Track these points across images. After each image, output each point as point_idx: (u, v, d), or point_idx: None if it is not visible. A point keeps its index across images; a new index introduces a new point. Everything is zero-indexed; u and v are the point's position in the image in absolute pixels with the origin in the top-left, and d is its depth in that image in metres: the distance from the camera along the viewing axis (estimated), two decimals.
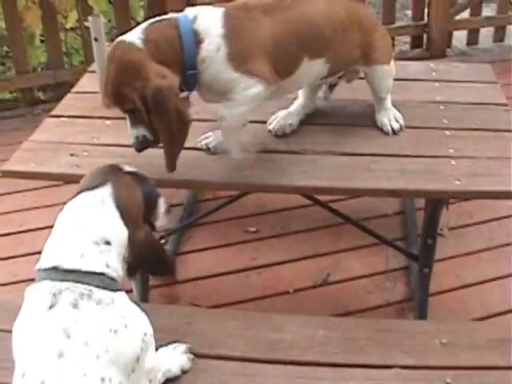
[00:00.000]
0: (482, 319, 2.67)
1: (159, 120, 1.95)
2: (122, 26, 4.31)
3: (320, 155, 2.25)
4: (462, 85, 2.69)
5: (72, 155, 2.25)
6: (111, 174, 1.65)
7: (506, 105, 2.54)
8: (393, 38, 4.84)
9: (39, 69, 4.74)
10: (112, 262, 1.54)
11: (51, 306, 1.46)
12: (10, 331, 1.84)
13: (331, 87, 2.53)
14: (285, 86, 2.17)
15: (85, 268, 1.49)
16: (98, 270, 1.51)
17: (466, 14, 4.95)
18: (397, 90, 2.50)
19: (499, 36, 5.06)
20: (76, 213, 1.57)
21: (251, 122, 2.22)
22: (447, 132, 2.36)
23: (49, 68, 4.51)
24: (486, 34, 5.09)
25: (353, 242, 3.10)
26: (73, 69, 4.46)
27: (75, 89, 2.74)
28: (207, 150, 2.29)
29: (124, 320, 1.50)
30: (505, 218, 3.24)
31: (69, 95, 2.67)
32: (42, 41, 4.62)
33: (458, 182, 2.10)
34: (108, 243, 1.53)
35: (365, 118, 2.49)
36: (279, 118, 2.43)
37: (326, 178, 2.14)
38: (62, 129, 2.47)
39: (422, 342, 1.85)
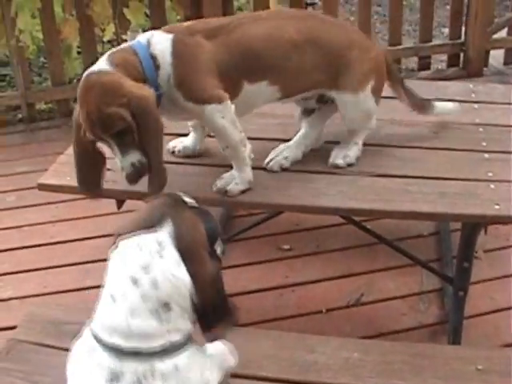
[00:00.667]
0: None
1: (148, 132, 1.95)
2: None
3: (357, 176, 2.24)
4: (502, 107, 2.66)
5: (108, 170, 2.25)
6: (171, 209, 1.49)
7: None
8: (429, 57, 4.84)
9: (75, 80, 4.77)
10: (174, 325, 1.42)
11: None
12: (40, 344, 1.85)
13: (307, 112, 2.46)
14: (237, 107, 2.15)
15: (145, 348, 1.39)
16: (159, 344, 1.40)
17: (503, 33, 4.91)
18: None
19: None
20: (130, 269, 1.41)
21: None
22: (486, 155, 2.34)
23: None
24: None
25: (387, 262, 3.07)
26: None
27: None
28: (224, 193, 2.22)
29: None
30: None
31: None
32: (78, 52, 4.66)
33: (497, 207, 2.07)
34: (167, 305, 1.40)
35: (401, 139, 2.48)
36: (277, 152, 2.38)
37: (364, 199, 2.13)
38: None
39: (457, 367, 1.82)
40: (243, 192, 2.19)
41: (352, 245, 3.19)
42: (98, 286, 3.06)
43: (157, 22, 4.30)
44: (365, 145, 2.42)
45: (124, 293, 1.40)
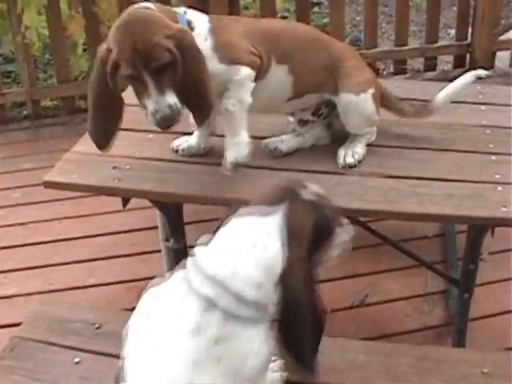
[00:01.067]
0: None
1: (194, 66, 1.97)
2: None
3: (364, 177, 2.23)
4: (509, 108, 2.64)
5: (114, 168, 2.26)
6: (286, 197, 1.55)
7: None
8: (435, 58, 4.83)
9: (81, 77, 4.77)
10: (261, 302, 1.49)
11: (195, 330, 1.44)
12: (44, 342, 1.85)
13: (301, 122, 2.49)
14: (259, 96, 2.21)
15: (235, 310, 1.46)
16: (247, 312, 1.47)
17: (510, 35, 4.89)
18: (442, 112, 2.47)
19: None
20: (238, 241, 1.50)
21: None
22: (493, 157, 2.33)
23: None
24: None
25: (392, 264, 3.07)
26: None
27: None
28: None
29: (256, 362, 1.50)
30: None
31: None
32: (84, 49, 4.65)
33: (504, 209, 2.06)
34: (260, 285, 1.48)
35: (408, 140, 2.46)
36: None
37: (371, 200, 2.12)
38: None
39: (462, 370, 1.81)
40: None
41: (357, 245, 3.13)
42: (103, 284, 3.08)
43: None
44: (372, 145, 2.41)
45: (226, 257, 1.49)
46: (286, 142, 2.41)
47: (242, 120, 2.20)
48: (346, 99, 2.32)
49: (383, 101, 2.43)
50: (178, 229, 2.59)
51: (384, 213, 2.17)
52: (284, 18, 5.41)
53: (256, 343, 1.50)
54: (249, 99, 2.18)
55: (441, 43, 4.88)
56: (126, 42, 1.93)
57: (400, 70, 4.86)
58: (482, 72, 2.48)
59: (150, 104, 1.95)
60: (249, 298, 1.46)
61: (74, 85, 4.49)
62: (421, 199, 2.13)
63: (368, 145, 2.40)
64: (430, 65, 4.87)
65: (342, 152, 2.35)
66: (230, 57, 2.13)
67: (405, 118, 2.51)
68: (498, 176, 2.22)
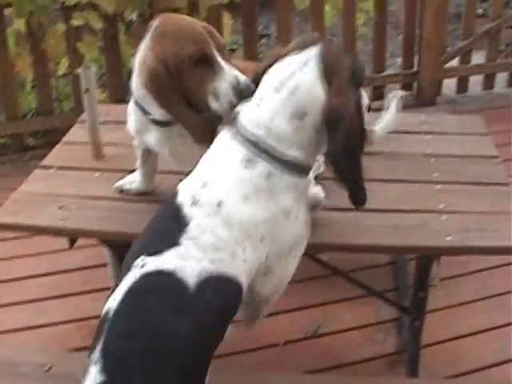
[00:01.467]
0: (475, 371, 2.65)
1: None
2: (112, 72, 4.34)
3: (312, 211, 2.22)
4: (453, 137, 2.68)
5: (60, 208, 2.24)
6: (322, 41, 1.69)
7: (497, 157, 2.53)
8: (382, 86, 4.90)
9: (29, 115, 4.74)
10: (303, 141, 1.67)
11: (246, 162, 1.65)
12: None
13: None
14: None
15: (279, 151, 1.65)
16: (289, 154, 1.66)
17: (455, 62, 4.99)
18: (388, 142, 2.50)
19: (489, 83, 5.09)
20: (275, 79, 1.68)
21: None
22: (438, 186, 2.35)
23: (39, 114, 4.52)
24: (476, 81, 5.12)
25: (344, 293, 3.07)
26: (63, 115, 4.46)
27: (65, 138, 2.72)
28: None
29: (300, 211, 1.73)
30: (497, 267, 3.22)
31: (58, 146, 2.65)
32: (33, 86, 4.63)
33: (448, 238, 2.08)
34: (301, 115, 1.64)
35: None
36: None
37: (318, 234, 2.12)
38: (50, 180, 2.45)
39: None
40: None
41: (308, 276, 3.18)
42: (54, 324, 3.03)
43: (110, 56, 4.30)
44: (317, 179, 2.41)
45: (267, 97, 1.67)
46: None
47: None
48: None
49: None
50: None
51: (331, 246, 2.18)
52: (232, 50, 5.44)
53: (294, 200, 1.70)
54: None
55: (388, 72, 4.97)
56: (191, 32, 1.92)
57: None
58: (400, 92, 2.51)
59: (226, 79, 1.89)
60: (290, 136, 1.64)
61: (22, 122, 4.46)
62: (367, 231, 2.14)
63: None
64: (378, 93, 4.93)
65: None
66: None
67: None
68: (442, 205, 2.24)
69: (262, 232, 1.65)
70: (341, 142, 1.63)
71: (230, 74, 1.90)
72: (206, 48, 1.90)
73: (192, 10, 4.15)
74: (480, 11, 5.60)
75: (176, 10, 4.00)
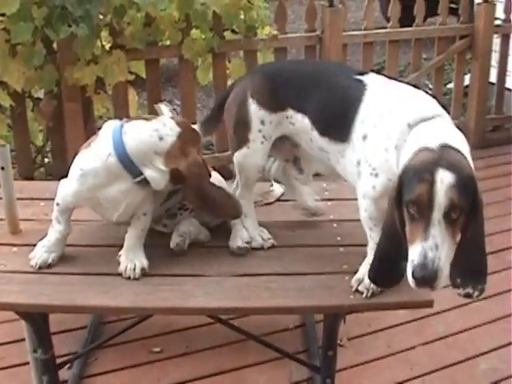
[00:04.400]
0: None
1: None
2: (21, 149, 4.38)
3: (221, 277, 2.35)
4: (353, 203, 2.84)
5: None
6: None
7: None
8: None
9: None
10: None
11: None
12: None
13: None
14: None
15: None
16: None
17: None
18: (288, 210, 2.72)
19: None
20: None
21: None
22: (341, 249, 2.52)
23: None
24: None
25: (257, 357, 3.16)
26: None
27: None
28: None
29: None
30: (401, 324, 3.41)
31: None
32: None
33: (352, 297, 2.23)
34: None
35: None
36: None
37: (228, 298, 2.24)
38: None
39: None
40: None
41: (222, 342, 3.26)
42: None
43: (19, 133, 4.35)
44: (227, 246, 2.56)
45: None
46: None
47: None
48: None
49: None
50: (46, 339, 2.62)
51: (240, 309, 2.30)
52: None
53: None
54: None
55: None
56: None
57: None
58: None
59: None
60: None
61: None
62: (274, 294, 2.26)
63: (223, 246, 2.55)
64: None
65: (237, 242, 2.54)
66: None
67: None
68: (345, 266, 2.40)
69: None
70: None
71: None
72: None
73: (99, 88, 4.27)
74: None
75: (83, 87, 4.13)
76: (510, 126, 6.10)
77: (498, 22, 5.71)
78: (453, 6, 5.59)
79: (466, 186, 1.84)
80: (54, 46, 4.13)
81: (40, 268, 2.41)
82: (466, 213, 1.86)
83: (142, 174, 2.28)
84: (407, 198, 1.88)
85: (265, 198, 2.87)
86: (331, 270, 2.39)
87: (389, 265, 2.00)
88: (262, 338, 2.97)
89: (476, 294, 1.95)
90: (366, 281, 2.22)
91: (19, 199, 2.70)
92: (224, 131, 2.66)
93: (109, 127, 2.36)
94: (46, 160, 4.74)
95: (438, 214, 1.82)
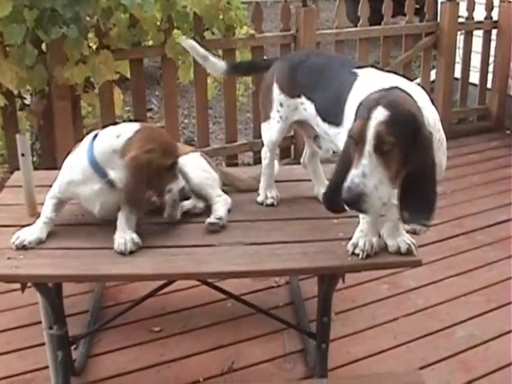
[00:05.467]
0: None
1: None
2: (10, 148, 4.51)
3: (232, 246, 2.57)
4: None
5: (9, 258, 2.46)
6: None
7: None
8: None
9: None
10: None
11: None
12: None
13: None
14: None
15: None
16: None
17: None
18: (287, 189, 2.97)
19: None
20: None
21: None
22: (335, 220, 2.75)
23: None
24: None
25: (251, 333, 3.38)
26: None
27: None
28: None
29: None
30: (383, 299, 3.69)
31: None
32: None
33: (349, 259, 2.47)
34: None
35: (262, 214, 2.88)
36: None
37: (241, 263, 2.47)
38: None
39: None
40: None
41: (217, 320, 3.47)
42: None
43: (9, 131, 4.48)
44: (232, 221, 2.78)
45: None
46: None
47: None
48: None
49: (231, 181, 3.03)
50: (61, 315, 2.81)
51: (253, 272, 2.53)
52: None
53: None
54: None
55: None
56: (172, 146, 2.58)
57: (231, 164, 5.32)
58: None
59: (178, 183, 2.56)
60: None
61: None
62: (282, 258, 2.49)
63: (230, 221, 2.76)
64: (259, 158, 5.33)
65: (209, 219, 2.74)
66: None
67: (244, 189, 3.08)
68: (341, 234, 2.64)
69: None
70: None
71: (181, 180, 2.52)
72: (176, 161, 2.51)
73: (87, 86, 4.45)
74: None
75: (72, 86, 4.30)
76: (473, 119, 6.43)
77: (461, 20, 6.00)
78: (416, 6, 5.84)
79: (402, 122, 2.10)
80: (43, 46, 4.28)
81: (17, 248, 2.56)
82: (404, 147, 2.11)
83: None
84: (350, 134, 2.18)
85: (235, 186, 3.12)
86: (329, 238, 2.63)
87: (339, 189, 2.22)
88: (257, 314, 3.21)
89: (422, 230, 2.20)
90: (361, 244, 2.47)
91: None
92: None
93: (90, 134, 2.68)
94: (34, 158, 4.85)
95: (368, 147, 2.10)
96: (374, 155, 2.09)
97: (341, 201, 2.16)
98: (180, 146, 2.86)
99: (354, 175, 2.10)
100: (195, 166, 2.87)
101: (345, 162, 2.24)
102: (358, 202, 2.10)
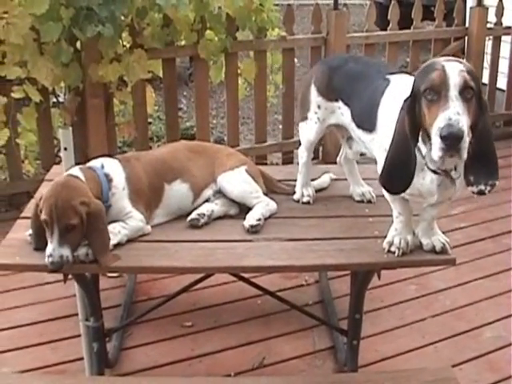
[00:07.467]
0: None
1: (96, 232, 2.44)
2: (44, 143, 4.60)
3: (270, 242, 2.63)
4: (373, 182, 3.12)
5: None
6: None
7: None
8: (292, 151, 5.35)
9: None
10: None
11: None
12: None
13: None
14: (162, 211, 2.79)
15: None
16: None
17: None
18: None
19: None
20: None
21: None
22: (370, 219, 2.81)
23: None
24: None
25: (281, 330, 3.43)
26: None
27: (36, 195, 2.91)
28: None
29: None
30: (412, 299, 3.73)
31: (32, 200, 2.86)
32: None
33: (385, 256, 2.52)
34: None
35: (300, 212, 2.94)
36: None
37: (279, 258, 2.52)
38: None
39: None
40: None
41: (247, 317, 3.53)
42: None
43: (43, 127, 4.57)
44: (271, 217, 2.84)
45: None
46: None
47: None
48: (225, 177, 2.88)
49: (267, 184, 3.02)
50: (97, 308, 2.87)
51: (291, 267, 2.57)
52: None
53: None
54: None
55: (296, 138, 5.40)
56: (50, 198, 2.41)
57: (260, 164, 5.34)
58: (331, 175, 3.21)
59: (49, 248, 2.40)
60: None
61: None
62: (318, 254, 2.54)
63: (268, 218, 2.82)
64: (287, 158, 5.42)
65: (247, 219, 2.77)
66: (136, 206, 2.68)
67: (285, 194, 3.07)
68: (376, 232, 2.68)
69: None
70: None
71: (52, 247, 2.41)
72: (52, 222, 2.42)
73: (120, 85, 4.51)
74: None
75: (106, 84, 4.36)
76: (500, 124, 6.44)
77: (490, 25, 6.02)
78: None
79: (475, 76, 2.11)
80: (78, 44, 4.34)
81: None
82: (477, 101, 2.12)
83: None
84: (423, 88, 2.13)
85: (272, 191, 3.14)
86: (364, 235, 2.67)
87: (399, 170, 2.25)
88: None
89: (488, 189, 2.21)
90: (396, 242, 2.51)
91: None
92: None
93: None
94: None
95: (454, 91, 2.06)
96: (460, 99, 2.06)
97: (404, 178, 2.23)
98: (233, 153, 3.04)
99: (449, 113, 2.02)
100: (236, 183, 2.89)
101: (401, 140, 2.23)
102: (460, 137, 2.00)
